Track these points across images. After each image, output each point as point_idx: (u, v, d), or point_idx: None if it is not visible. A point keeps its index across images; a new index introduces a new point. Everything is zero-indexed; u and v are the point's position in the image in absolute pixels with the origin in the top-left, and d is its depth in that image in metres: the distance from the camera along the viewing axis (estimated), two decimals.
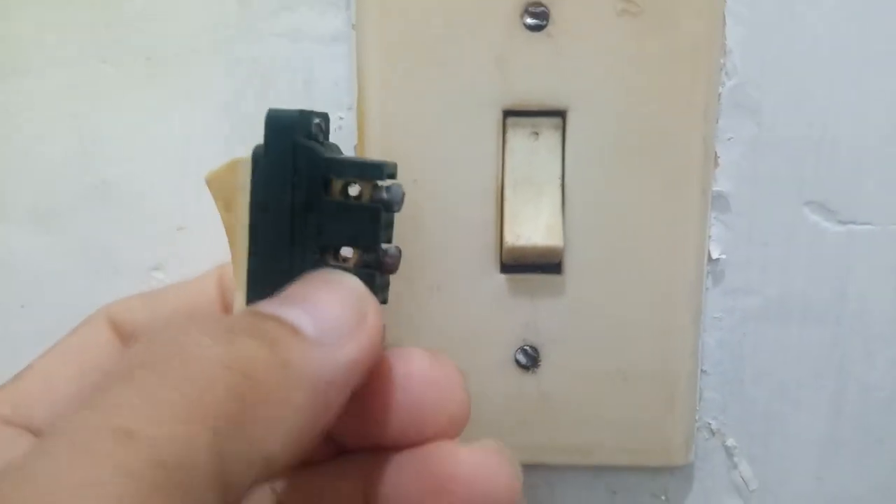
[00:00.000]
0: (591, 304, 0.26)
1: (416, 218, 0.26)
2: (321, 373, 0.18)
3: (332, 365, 0.18)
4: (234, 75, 0.27)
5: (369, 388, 0.21)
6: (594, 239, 0.26)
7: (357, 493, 0.21)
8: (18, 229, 0.28)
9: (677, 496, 0.29)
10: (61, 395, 0.22)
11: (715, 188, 0.27)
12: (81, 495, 0.13)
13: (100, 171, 0.27)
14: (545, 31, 0.25)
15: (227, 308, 0.24)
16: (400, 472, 0.21)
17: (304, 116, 0.21)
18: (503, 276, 0.26)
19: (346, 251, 0.21)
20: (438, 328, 0.26)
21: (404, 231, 0.25)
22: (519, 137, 0.26)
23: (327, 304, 0.19)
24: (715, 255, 0.27)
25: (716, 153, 0.26)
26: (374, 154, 0.25)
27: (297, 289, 0.20)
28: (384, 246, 0.21)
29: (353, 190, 0.21)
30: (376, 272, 0.21)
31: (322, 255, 0.21)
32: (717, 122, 0.26)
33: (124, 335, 0.24)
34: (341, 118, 0.27)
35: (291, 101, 0.27)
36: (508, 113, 0.25)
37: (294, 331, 0.18)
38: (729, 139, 0.27)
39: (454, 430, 0.21)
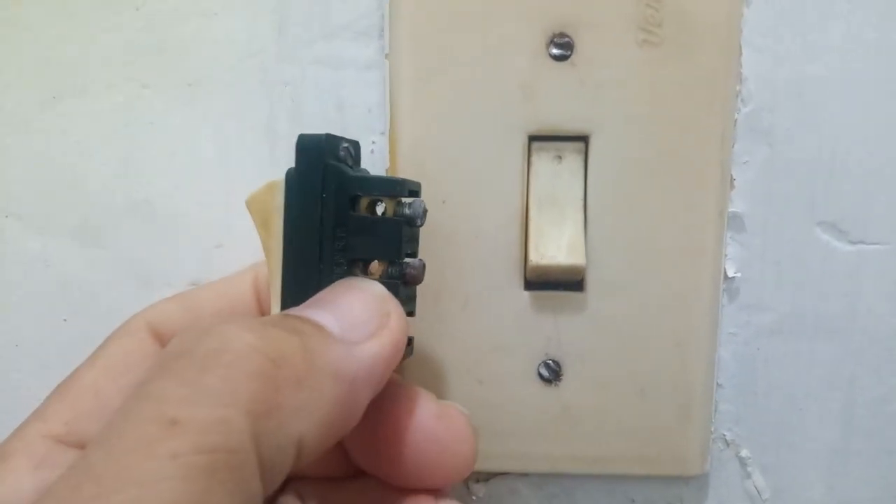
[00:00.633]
0: (612, 320, 0.27)
1: (444, 237, 0.26)
2: (345, 365, 0.18)
3: (355, 360, 0.19)
4: (271, 100, 0.27)
5: (380, 423, 0.21)
6: (615, 258, 0.26)
7: None
8: (63, 245, 0.28)
9: None
10: (113, 411, 0.23)
11: (731, 209, 0.27)
12: (136, 486, 0.14)
13: (141, 190, 0.28)
14: (569, 60, 0.25)
15: (264, 312, 0.25)
16: None
17: (332, 140, 0.22)
18: (527, 293, 0.27)
19: (374, 265, 0.22)
20: (465, 342, 0.27)
21: (433, 248, 0.26)
22: (543, 161, 0.26)
23: (351, 306, 0.20)
24: (730, 273, 0.28)
25: (732, 175, 0.27)
26: (405, 176, 0.26)
27: (323, 294, 0.20)
28: (407, 259, 0.22)
29: (380, 208, 0.22)
30: (400, 283, 0.21)
31: (350, 269, 0.21)
32: (733, 146, 0.27)
33: (166, 343, 0.24)
34: (374, 142, 0.27)
35: (326, 126, 0.27)
36: (533, 138, 0.26)
37: (319, 327, 0.19)
38: (744, 162, 0.27)
39: (459, 479, 0.22)
